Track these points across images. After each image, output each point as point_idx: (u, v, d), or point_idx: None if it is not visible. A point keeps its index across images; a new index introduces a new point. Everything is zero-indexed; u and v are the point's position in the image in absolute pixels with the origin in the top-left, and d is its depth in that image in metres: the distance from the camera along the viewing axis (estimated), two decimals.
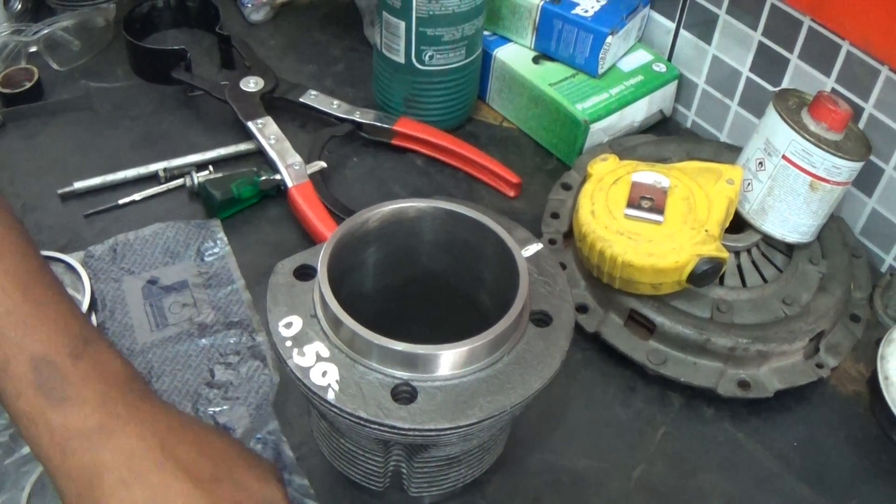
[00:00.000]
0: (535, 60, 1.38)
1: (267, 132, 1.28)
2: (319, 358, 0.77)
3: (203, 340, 1.06)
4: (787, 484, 0.99)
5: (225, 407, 0.99)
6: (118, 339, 1.05)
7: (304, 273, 0.83)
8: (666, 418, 1.04)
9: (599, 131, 1.30)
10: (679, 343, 1.05)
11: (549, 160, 1.35)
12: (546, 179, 1.29)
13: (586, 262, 1.08)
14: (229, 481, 0.74)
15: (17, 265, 0.78)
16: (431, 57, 1.27)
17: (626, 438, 1.02)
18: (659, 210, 1.05)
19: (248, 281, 1.13)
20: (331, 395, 0.75)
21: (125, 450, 0.71)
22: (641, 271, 1.02)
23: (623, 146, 1.26)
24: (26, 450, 0.96)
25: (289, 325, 0.79)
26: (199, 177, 1.24)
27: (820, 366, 1.07)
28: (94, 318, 1.05)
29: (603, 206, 1.07)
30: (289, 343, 0.78)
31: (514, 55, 1.38)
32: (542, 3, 1.34)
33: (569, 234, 1.15)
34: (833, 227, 1.18)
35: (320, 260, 0.80)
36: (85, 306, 1.04)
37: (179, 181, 1.26)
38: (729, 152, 1.23)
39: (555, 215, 1.19)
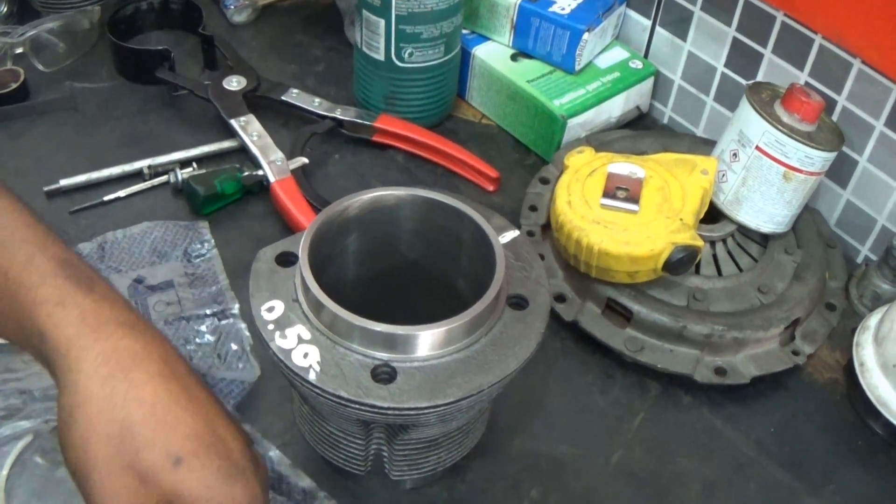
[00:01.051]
0: (513, 58, 1.40)
1: (249, 129, 1.30)
2: (301, 340, 0.79)
3: (182, 322, 1.08)
4: (765, 469, 1.01)
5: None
6: None
7: (286, 260, 0.85)
8: (644, 405, 1.06)
9: (577, 126, 1.32)
10: (656, 331, 1.06)
11: (527, 156, 1.37)
12: (524, 174, 1.31)
13: (564, 252, 1.09)
14: (227, 411, 0.78)
15: (24, 204, 0.81)
16: (411, 54, 1.29)
17: (604, 425, 1.04)
18: (634, 200, 1.07)
19: (231, 275, 1.14)
20: (312, 376, 0.76)
21: (158, 350, 0.74)
22: (617, 259, 1.04)
23: (600, 141, 1.27)
24: (6, 430, 0.97)
25: (271, 310, 0.81)
26: (183, 173, 1.26)
27: (796, 353, 1.08)
28: None
29: (579, 196, 1.08)
30: (271, 326, 0.80)
31: (493, 53, 1.40)
32: (519, 1, 1.36)
33: (547, 226, 1.17)
34: (808, 219, 1.20)
35: (301, 245, 0.81)
36: None
37: (163, 178, 1.27)
38: (704, 146, 1.24)
39: (533, 208, 1.21)
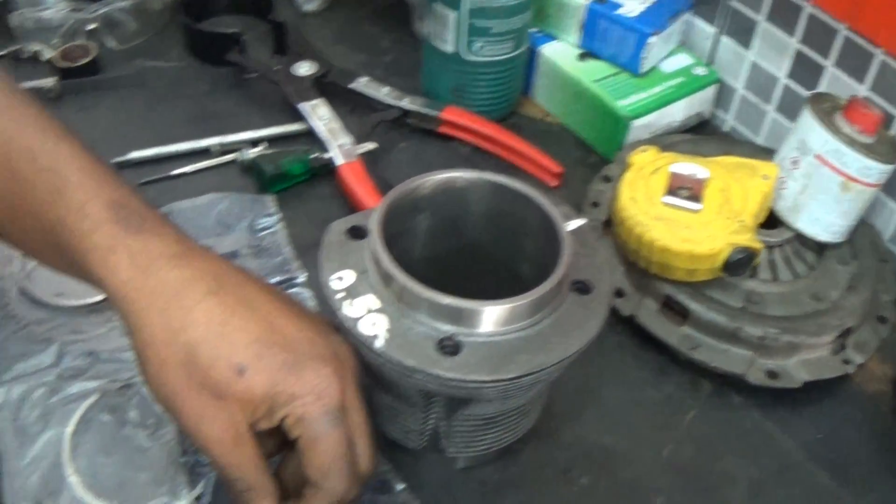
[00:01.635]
0: (580, 57, 1.41)
1: (318, 113, 1.32)
2: (369, 310, 0.80)
3: None
4: (810, 473, 1.02)
5: None
6: None
7: (356, 233, 0.86)
8: (695, 402, 1.07)
9: (640, 128, 1.33)
10: (711, 330, 1.07)
11: (589, 155, 1.38)
12: (586, 172, 1.32)
13: (624, 247, 1.11)
14: (303, 307, 0.81)
15: (82, 142, 0.83)
16: (481, 48, 1.31)
17: (656, 419, 1.05)
18: (696, 199, 1.08)
19: (296, 253, 1.16)
20: (379, 344, 0.78)
21: (208, 269, 0.76)
22: (677, 256, 1.05)
23: (662, 143, 1.27)
24: (73, 389, 1.00)
25: (340, 279, 0.83)
26: (251, 152, 1.28)
27: (847, 361, 1.09)
28: None
29: (643, 192, 1.10)
30: (340, 295, 0.81)
31: (560, 52, 1.42)
32: (588, 2, 1.37)
33: (607, 223, 1.18)
34: (864, 232, 1.21)
35: (373, 218, 0.83)
36: None
37: (231, 156, 1.30)
38: (764, 154, 1.24)
39: (595, 204, 1.22)
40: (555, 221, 0.85)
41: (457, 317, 0.79)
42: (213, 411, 0.72)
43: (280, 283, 1.10)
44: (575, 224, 0.89)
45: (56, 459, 0.95)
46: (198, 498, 0.93)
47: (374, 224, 0.83)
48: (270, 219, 1.21)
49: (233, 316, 0.73)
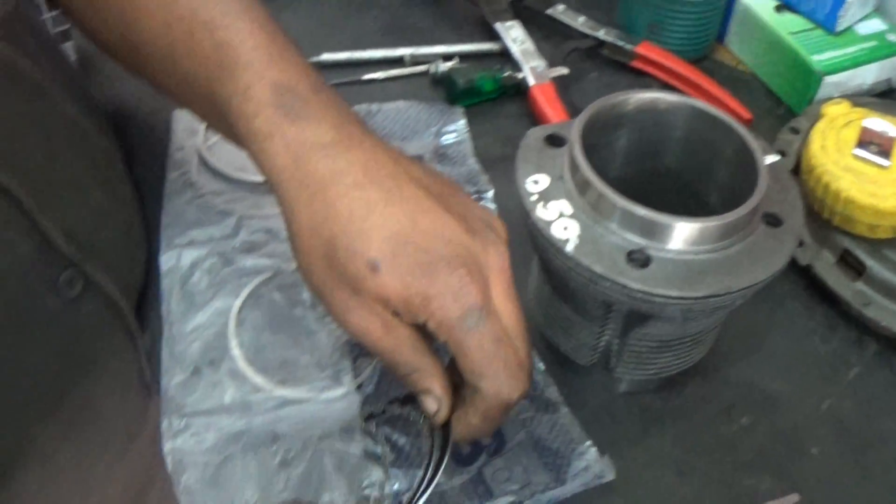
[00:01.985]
0: (777, 9, 1.39)
1: (513, 34, 1.32)
2: (562, 214, 0.81)
3: None
4: None
5: None
6: None
7: (554, 141, 0.87)
8: (860, 360, 1.06)
9: (831, 85, 1.31)
10: (885, 289, 1.06)
11: (778, 106, 1.37)
12: (774, 123, 1.31)
13: (810, 196, 1.10)
14: (456, 198, 0.78)
15: (265, 16, 0.84)
16: None
17: (819, 372, 1.04)
18: (886, 155, 1.07)
19: (482, 167, 1.17)
20: (570, 248, 0.79)
21: (360, 160, 0.75)
22: (862, 209, 1.04)
23: (852, 103, 1.27)
24: (247, 262, 1.02)
25: (535, 182, 0.84)
26: (444, 65, 1.29)
27: None
28: None
29: (833, 143, 1.09)
30: (534, 198, 0.82)
31: (757, 1, 1.41)
32: None
33: (794, 173, 1.17)
34: None
35: (574, 126, 0.84)
36: None
37: (423, 67, 1.31)
38: None
39: (781, 153, 1.21)
40: (753, 151, 0.85)
41: (649, 230, 0.79)
42: (355, 304, 0.72)
43: (469, 194, 1.10)
44: (770, 159, 0.88)
45: (221, 330, 0.97)
46: (359, 386, 0.94)
47: (574, 131, 0.83)
48: (458, 129, 1.22)
49: (373, 211, 0.72)
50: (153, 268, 1.02)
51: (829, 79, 1.31)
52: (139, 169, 1.09)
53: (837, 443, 0.98)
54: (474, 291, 0.72)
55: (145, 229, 1.04)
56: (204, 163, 1.13)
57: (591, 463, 0.90)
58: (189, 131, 1.16)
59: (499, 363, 0.72)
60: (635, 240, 0.80)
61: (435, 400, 0.76)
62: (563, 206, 0.82)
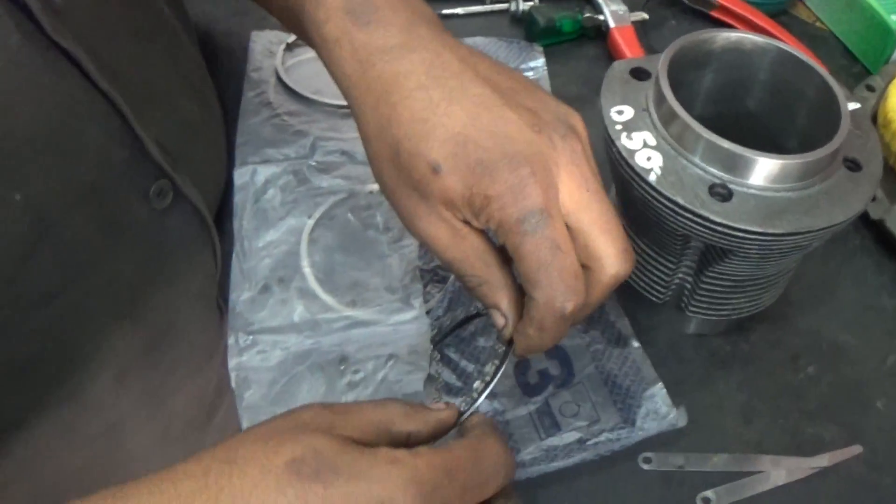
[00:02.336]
0: None
1: None
2: (645, 145, 0.81)
3: None
4: None
5: None
6: None
7: (639, 74, 0.87)
8: None
9: None
10: None
11: (854, 64, 1.36)
12: (849, 81, 1.30)
13: (885, 151, 1.09)
14: (527, 93, 0.74)
15: None
16: None
17: (887, 326, 1.04)
18: None
19: None
20: (652, 178, 0.79)
21: (425, 61, 0.72)
22: None
23: None
24: (322, 183, 1.02)
25: (620, 113, 0.84)
26: (525, 4, 1.30)
27: None
28: None
29: None
30: (618, 127, 0.83)
31: None
32: None
33: None
34: None
35: (661, 60, 0.84)
36: None
37: (503, 5, 1.32)
38: None
39: None
40: (837, 95, 0.85)
41: (731, 164, 0.80)
42: (423, 209, 0.71)
43: None
44: (852, 106, 0.88)
45: (293, 248, 0.98)
46: (429, 311, 0.95)
47: (661, 64, 0.83)
48: (537, 66, 1.22)
49: (435, 111, 0.70)
50: (228, 185, 1.03)
51: None
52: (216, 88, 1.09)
53: None
54: (536, 192, 0.68)
55: (228, 144, 1.05)
56: (281, 83, 1.14)
57: (662, 407, 0.91)
58: (267, 52, 1.17)
59: (553, 271, 0.68)
60: (718, 173, 0.80)
61: (501, 315, 0.73)
62: (646, 136, 0.82)
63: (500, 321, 0.74)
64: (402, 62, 0.73)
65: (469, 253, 0.72)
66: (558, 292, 0.68)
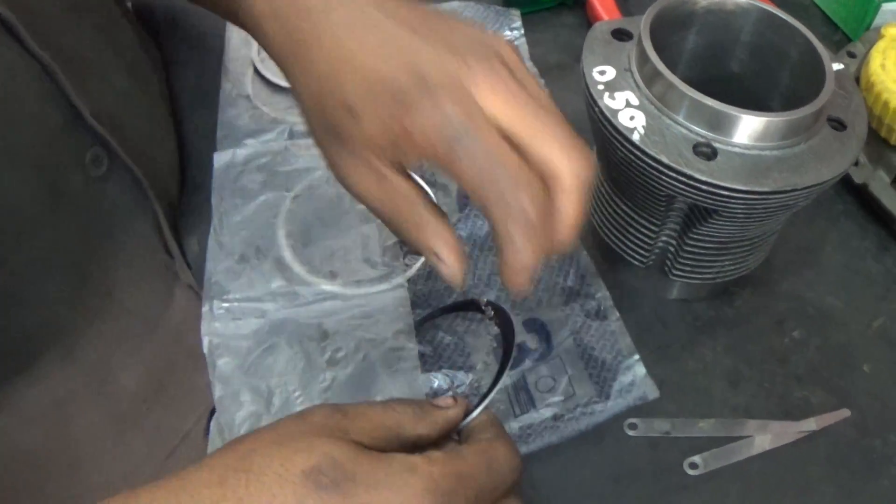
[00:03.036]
0: None
1: None
2: (628, 104, 0.81)
3: None
4: None
5: None
6: None
7: (621, 34, 0.87)
8: None
9: (888, 13, 1.30)
10: None
11: (835, 32, 1.36)
12: (830, 48, 1.27)
13: (867, 115, 1.09)
14: (441, 24, 0.69)
15: None
16: None
17: (872, 290, 1.04)
18: None
19: (537, 72, 1.16)
20: (636, 137, 0.78)
21: (340, 16, 0.68)
22: None
23: None
24: (300, 163, 1.03)
25: (602, 73, 0.83)
26: None
27: None
28: None
29: (893, 62, 1.09)
30: (601, 87, 0.82)
31: None
32: None
33: None
34: None
35: (643, 20, 0.83)
36: None
37: None
38: None
39: None
40: (821, 54, 0.84)
41: (715, 123, 0.79)
42: (345, 157, 0.66)
43: None
44: (836, 66, 0.87)
45: (270, 221, 0.97)
46: (409, 280, 0.94)
47: (644, 24, 0.83)
48: (515, 32, 1.21)
49: (348, 60, 0.65)
50: (204, 168, 1.03)
51: (887, 6, 1.29)
52: (191, 77, 1.11)
53: (888, 362, 0.97)
54: (455, 111, 0.62)
55: (172, 117, 1.05)
56: (258, 74, 1.14)
57: (636, 379, 0.91)
58: (244, 42, 1.16)
59: (496, 171, 0.62)
60: (702, 132, 0.79)
61: (440, 260, 0.67)
62: (629, 96, 0.81)
63: (442, 269, 0.69)
64: (320, 18, 0.68)
65: (395, 195, 0.67)
66: (508, 190, 0.62)
